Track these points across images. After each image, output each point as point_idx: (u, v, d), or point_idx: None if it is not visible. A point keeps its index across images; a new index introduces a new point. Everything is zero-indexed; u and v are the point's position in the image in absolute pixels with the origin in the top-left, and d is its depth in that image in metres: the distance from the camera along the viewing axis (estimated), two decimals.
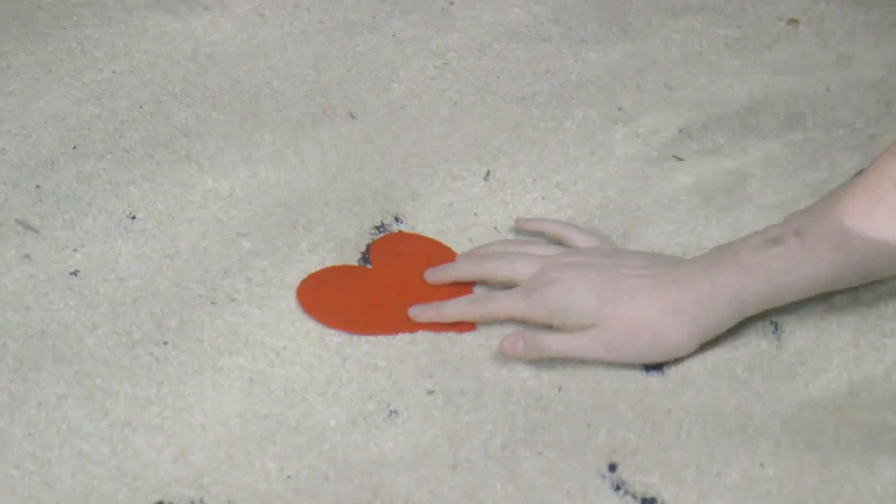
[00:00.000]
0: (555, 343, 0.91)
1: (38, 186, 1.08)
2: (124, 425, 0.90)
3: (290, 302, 0.98)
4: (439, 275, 0.99)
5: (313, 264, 1.02)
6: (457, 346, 0.95)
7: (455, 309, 0.95)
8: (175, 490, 0.86)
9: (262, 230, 1.05)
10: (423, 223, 1.06)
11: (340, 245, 1.03)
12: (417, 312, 0.96)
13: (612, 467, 0.86)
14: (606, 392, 0.90)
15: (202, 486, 0.86)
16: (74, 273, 1.01)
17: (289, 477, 0.86)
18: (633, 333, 0.89)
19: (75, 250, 1.03)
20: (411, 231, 1.05)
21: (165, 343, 0.95)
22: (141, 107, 1.18)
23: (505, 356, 0.93)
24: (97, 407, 0.91)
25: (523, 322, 0.95)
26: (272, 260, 1.02)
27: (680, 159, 1.12)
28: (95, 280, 1.00)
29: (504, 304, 0.94)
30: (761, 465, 0.86)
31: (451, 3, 1.32)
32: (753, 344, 0.95)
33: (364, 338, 0.95)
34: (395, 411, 0.90)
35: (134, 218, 1.06)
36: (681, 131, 1.15)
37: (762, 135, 1.15)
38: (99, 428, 0.90)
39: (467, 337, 0.95)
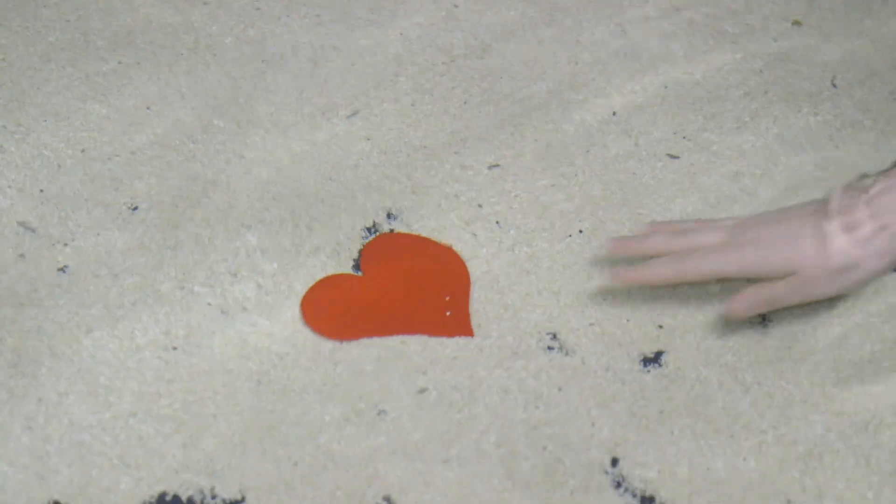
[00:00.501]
0: (773, 291, 0.95)
1: (41, 191, 1.09)
2: (129, 415, 0.90)
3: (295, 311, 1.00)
4: (640, 246, 1.01)
5: (316, 268, 1.03)
6: (448, 349, 0.96)
7: (658, 269, 0.98)
8: (183, 477, 0.86)
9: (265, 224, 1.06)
10: (420, 220, 1.07)
11: (337, 250, 1.04)
12: (623, 273, 0.99)
13: (615, 462, 0.89)
14: (606, 394, 0.93)
15: (214, 473, 0.87)
16: (63, 269, 1.02)
17: (295, 464, 0.88)
18: (832, 272, 0.93)
19: (66, 245, 1.03)
20: (406, 230, 1.06)
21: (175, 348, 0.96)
22: (148, 108, 1.18)
23: (730, 318, 0.98)
24: (100, 402, 0.91)
25: (721, 280, 0.99)
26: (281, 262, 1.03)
27: (675, 157, 1.13)
28: (85, 277, 1.01)
29: (708, 261, 0.96)
30: (744, 459, 0.89)
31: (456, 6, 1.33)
32: (741, 331, 0.98)
33: (354, 342, 0.96)
34: (383, 411, 0.92)
35: (136, 209, 1.07)
36: (674, 133, 1.16)
37: (759, 133, 1.16)
38: (101, 419, 0.90)
39: (459, 340, 0.97)
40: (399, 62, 1.23)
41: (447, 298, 1.00)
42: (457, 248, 1.04)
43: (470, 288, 1.01)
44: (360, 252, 1.04)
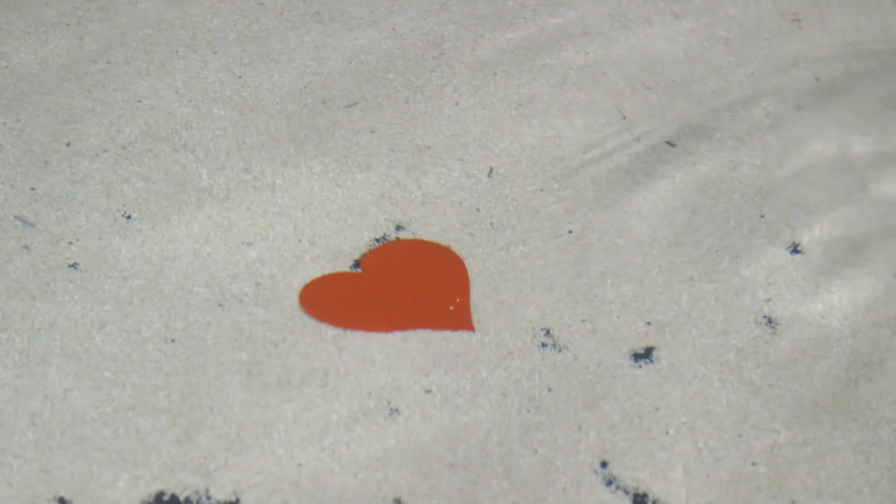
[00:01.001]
0: None
1: (32, 189, 1.08)
2: (129, 409, 0.90)
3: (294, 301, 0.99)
4: None
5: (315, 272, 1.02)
6: (451, 344, 0.96)
7: None
8: (177, 477, 0.86)
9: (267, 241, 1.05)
10: (425, 227, 1.07)
11: (336, 255, 1.04)
12: None
13: (604, 464, 0.88)
14: (595, 393, 0.92)
15: (208, 473, 0.87)
16: (74, 266, 1.01)
17: (299, 465, 0.88)
18: None
19: (70, 243, 1.03)
20: (412, 237, 1.06)
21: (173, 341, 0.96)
22: (139, 101, 1.18)
23: None
24: (103, 396, 0.91)
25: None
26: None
27: (673, 147, 1.14)
28: (97, 276, 1.01)
29: None
30: (753, 463, 0.88)
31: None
32: (746, 331, 0.98)
33: (358, 332, 0.96)
34: (395, 409, 0.91)
35: (129, 217, 1.06)
36: (685, 130, 1.17)
37: (757, 127, 1.17)
38: (103, 413, 0.90)
39: (462, 335, 0.96)
40: None
41: (455, 301, 1.00)
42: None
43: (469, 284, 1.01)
44: (363, 255, 1.04)
